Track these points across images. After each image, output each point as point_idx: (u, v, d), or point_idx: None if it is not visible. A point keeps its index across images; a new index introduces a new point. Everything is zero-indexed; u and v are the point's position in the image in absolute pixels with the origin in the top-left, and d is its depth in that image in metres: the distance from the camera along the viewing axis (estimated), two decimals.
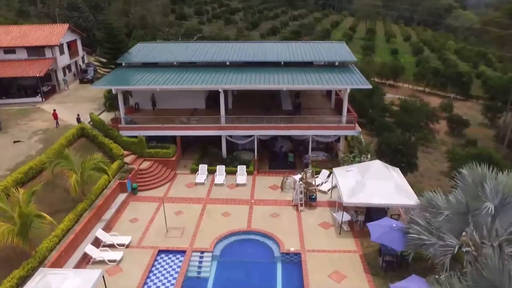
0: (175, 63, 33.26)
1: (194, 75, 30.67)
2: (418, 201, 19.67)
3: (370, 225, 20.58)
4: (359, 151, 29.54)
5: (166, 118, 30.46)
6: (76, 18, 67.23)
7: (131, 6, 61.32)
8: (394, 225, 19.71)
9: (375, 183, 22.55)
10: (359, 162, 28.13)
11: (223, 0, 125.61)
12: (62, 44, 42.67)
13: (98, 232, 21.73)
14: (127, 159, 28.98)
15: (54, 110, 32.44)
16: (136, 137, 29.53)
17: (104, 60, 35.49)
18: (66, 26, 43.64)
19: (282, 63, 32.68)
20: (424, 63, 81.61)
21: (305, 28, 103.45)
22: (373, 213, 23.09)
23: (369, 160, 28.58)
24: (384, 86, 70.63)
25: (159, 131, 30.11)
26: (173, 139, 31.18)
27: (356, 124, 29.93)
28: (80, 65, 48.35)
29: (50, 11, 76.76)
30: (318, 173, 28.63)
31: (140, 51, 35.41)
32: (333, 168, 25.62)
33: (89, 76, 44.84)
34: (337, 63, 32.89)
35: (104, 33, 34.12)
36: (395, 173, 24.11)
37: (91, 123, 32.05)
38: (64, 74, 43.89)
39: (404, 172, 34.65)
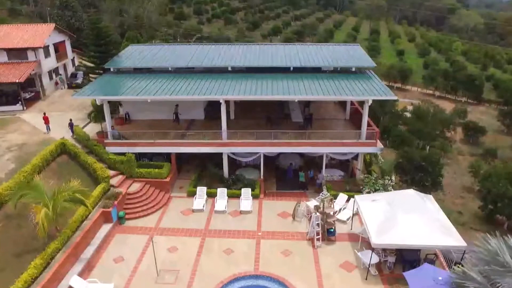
0: (170, 69, 28.93)
1: (192, 83, 26.38)
2: (476, 249, 15.35)
3: (408, 275, 16.41)
4: (381, 172, 25.35)
5: (159, 133, 26.20)
6: (69, 18, 62.84)
7: (125, 4, 56.72)
8: (440, 278, 15.49)
9: (409, 218, 18.37)
10: (383, 185, 23.94)
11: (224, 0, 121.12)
12: (48, 46, 38.27)
13: (73, 280, 17.45)
14: (114, 181, 24.70)
15: (45, 114, 29.06)
16: (124, 154, 25.28)
17: (92, 65, 31.13)
18: (51, 26, 39.19)
19: (292, 68, 28.38)
20: (433, 65, 77.43)
21: (308, 28, 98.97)
22: (405, 252, 18.90)
23: (393, 183, 24.43)
24: (392, 90, 66.18)
25: (151, 147, 25.84)
26: (167, 155, 26.93)
27: (378, 140, 25.69)
28: (75, 68, 44.00)
29: (43, 10, 72.31)
30: (334, 197, 24.38)
31: (132, 55, 31.05)
32: (355, 196, 21.40)
33: (78, 81, 40.43)
34: (353, 69, 28.60)
35: (90, 33, 29.78)
36: (431, 204, 19.89)
37: (74, 137, 27.77)
38: (50, 79, 39.53)
39: (426, 192, 30.72)
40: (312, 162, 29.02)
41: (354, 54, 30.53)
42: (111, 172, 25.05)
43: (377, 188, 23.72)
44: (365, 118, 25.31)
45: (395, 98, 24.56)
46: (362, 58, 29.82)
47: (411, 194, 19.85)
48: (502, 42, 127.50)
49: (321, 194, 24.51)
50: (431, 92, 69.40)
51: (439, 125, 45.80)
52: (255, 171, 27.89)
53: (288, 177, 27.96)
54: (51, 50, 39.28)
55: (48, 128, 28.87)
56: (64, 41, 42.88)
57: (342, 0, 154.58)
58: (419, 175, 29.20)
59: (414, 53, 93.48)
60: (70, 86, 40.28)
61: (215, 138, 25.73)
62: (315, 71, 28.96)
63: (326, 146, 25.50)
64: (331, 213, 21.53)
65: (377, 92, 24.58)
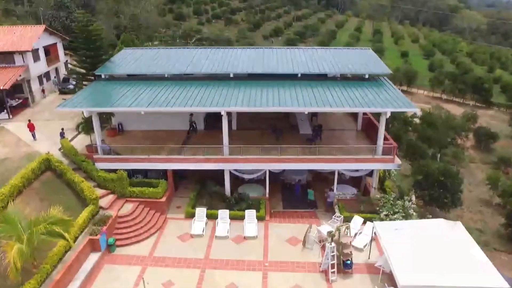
0: (166, 75, 26.24)
1: (190, 91, 23.71)
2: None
3: None
4: (399, 192, 22.74)
5: (155, 147, 23.58)
6: (64, 18, 60.14)
7: (120, 5, 53.84)
8: None
9: (440, 253, 15.81)
10: (402, 207, 21.30)
11: (224, 0, 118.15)
12: (37, 49, 35.60)
13: None
14: (104, 201, 22.05)
15: (29, 121, 27.01)
16: (115, 171, 22.65)
17: (83, 71, 28.33)
18: (41, 28, 36.50)
19: (299, 75, 25.71)
20: (439, 67, 74.78)
21: (310, 29, 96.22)
22: None
23: (413, 204, 21.81)
24: None
25: (145, 163, 23.19)
26: (163, 171, 24.27)
27: (396, 156, 23.06)
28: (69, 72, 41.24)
29: (38, 11, 69.56)
30: (348, 219, 21.78)
31: (125, 60, 28.34)
32: (375, 223, 18.79)
33: (71, 86, 37.69)
34: (366, 76, 25.94)
35: (79, 36, 27.04)
36: (462, 235, 17.28)
37: (62, 150, 25.14)
38: (41, 83, 36.84)
39: (445, 209, 28.17)
40: (321, 177, 26.42)
41: (367, 59, 27.84)
42: (101, 192, 22.41)
43: (396, 210, 21.10)
44: (382, 132, 22.66)
45: (417, 110, 21.95)
46: (376, 63, 27.15)
47: (440, 224, 17.28)
48: (505, 42, 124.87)
49: (334, 217, 21.90)
50: (438, 95, 66.78)
51: (450, 132, 43.16)
52: (259, 187, 25.27)
53: (296, 194, 25.36)
54: (41, 53, 36.61)
55: (33, 136, 26.72)
56: (55, 43, 40.22)
57: (343, 0, 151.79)
58: (438, 191, 26.62)
59: (418, 55, 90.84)
60: (61, 92, 37.63)
61: (216, 153, 23.08)
62: (324, 78, 26.35)
63: (338, 162, 22.87)
64: (348, 242, 18.89)
65: (396, 103, 21.91)
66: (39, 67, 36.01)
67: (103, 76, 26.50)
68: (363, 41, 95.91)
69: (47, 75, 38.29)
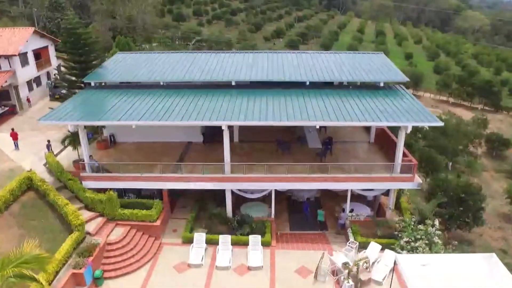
0: (162, 83, 23.78)
1: (188, 101, 21.23)
2: None
3: None
4: (419, 214, 20.27)
5: (152, 161, 21.15)
6: (59, 20, 57.62)
7: (116, 5, 51.21)
8: None
9: None
10: (425, 233, 18.84)
11: (224, 0, 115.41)
12: (26, 52, 33.15)
13: None
14: (92, 225, 19.60)
15: (13, 130, 25.13)
16: (105, 190, 20.22)
17: (73, 78, 25.80)
18: (30, 30, 34.03)
19: (308, 83, 23.24)
20: (444, 69, 72.26)
21: (312, 30, 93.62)
22: None
23: (438, 229, 19.34)
24: None
25: (138, 182, 20.74)
26: (158, 190, 21.83)
27: (416, 175, 20.59)
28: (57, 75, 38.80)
29: (32, 12, 67.09)
30: (364, 246, 19.35)
31: (118, 65, 25.85)
32: (397, 256, 16.32)
33: (64, 91, 35.21)
34: (381, 84, 23.48)
35: (67, 40, 24.56)
36: (503, 274, 14.82)
37: (47, 165, 22.71)
38: (30, 89, 34.40)
39: (466, 229, 25.71)
40: (331, 194, 23.97)
41: (380, 65, 25.35)
42: (89, 214, 19.99)
43: (419, 237, 18.64)
44: (401, 148, 20.21)
45: (441, 124, 19.52)
46: (390, 70, 24.65)
47: (476, 260, 14.81)
48: (509, 43, 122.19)
49: (348, 244, 19.43)
50: (445, 98, 64.29)
51: (463, 139, 40.69)
52: (263, 206, 22.84)
53: (304, 214, 22.92)
54: (30, 57, 34.17)
55: (16, 145, 24.77)
56: (47, 46, 37.77)
57: (345, 0, 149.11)
58: (459, 209, 24.16)
59: (423, 56, 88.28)
60: (53, 98, 35.15)
61: (216, 170, 20.63)
62: (335, 86, 23.89)
63: (352, 181, 20.42)
64: (367, 279, 16.43)
65: (417, 116, 19.44)
66: (27, 72, 33.57)
67: (92, 84, 24.06)
68: (366, 42, 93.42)
69: (37, 80, 35.86)
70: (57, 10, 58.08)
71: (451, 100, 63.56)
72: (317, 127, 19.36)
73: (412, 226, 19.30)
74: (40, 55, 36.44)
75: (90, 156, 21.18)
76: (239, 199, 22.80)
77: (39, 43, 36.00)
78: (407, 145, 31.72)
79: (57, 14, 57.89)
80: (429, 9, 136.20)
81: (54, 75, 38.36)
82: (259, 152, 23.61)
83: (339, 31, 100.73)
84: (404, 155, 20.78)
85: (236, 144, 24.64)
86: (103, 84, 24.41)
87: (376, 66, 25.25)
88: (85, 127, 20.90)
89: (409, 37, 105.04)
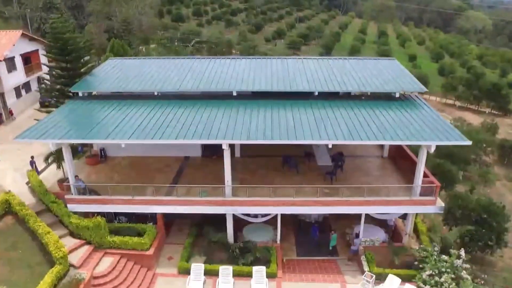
0: (156, 93, 21.54)
1: (184, 115, 18.97)
2: None
3: None
4: (441, 243, 18.08)
5: (145, 181, 18.90)
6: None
7: (111, 6, 48.79)
8: None
9: None
10: (451, 266, 16.62)
11: (224, 1, 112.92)
12: (13, 57, 30.89)
13: None
14: (78, 254, 17.34)
15: None
16: (93, 214, 18.02)
17: (60, 87, 23.34)
18: (18, 33, 31.76)
19: (316, 93, 21.00)
20: (449, 71, 70.00)
21: (313, 31, 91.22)
22: None
23: (464, 262, 17.12)
24: None
25: (129, 206, 18.50)
26: (151, 213, 19.61)
27: (438, 198, 18.37)
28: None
29: (27, 13, 64.80)
30: (381, 278, 17.15)
31: (109, 73, 23.57)
32: None
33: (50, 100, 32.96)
34: (397, 94, 21.23)
35: (53, 46, 22.27)
36: None
37: (29, 185, 20.45)
38: (18, 96, 32.15)
39: (487, 252, 23.50)
40: (341, 214, 21.74)
41: (394, 73, 23.08)
42: (74, 242, 17.78)
43: (443, 270, 16.44)
44: (421, 169, 17.96)
45: (468, 143, 17.30)
46: (406, 78, 22.39)
47: None
48: (511, 44, 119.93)
49: (364, 277, 17.19)
50: (451, 102, 62.03)
51: (474, 147, 38.44)
52: (268, 229, 20.56)
53: (312, 238, 20.71)
54: (18, 62, 31.92)
55: None
56: (37, 50, 35.49)
57: (346, 0, 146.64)
58: (480, 230, 21.94)
59: (426, 57, 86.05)
60: (42, 105, 32.84)
61: (216, 192, 18.41)
62: (346, 96, 21.65)
63: (367, 205, 18.21)
64: None
65: (441, 133, 17.20)
66: (15, 77, 31.32)
67: (80, 94, 21.79)
68: (369, 43, 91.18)
69: (26, 86, 33.61)
70: (52, 11, 55.75)
71: (458, 103, 61.33)
72: (330, 145, 17.10)
73: (435, 257, 17.10)
74: (29, 59, 34.21)
75: (76, 176, 18.91)
76: (241, 220, 20.57)
77: (28, 46, 33.76)
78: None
79: (52, 15, 55.59)
80: (430, 9, 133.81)
81: (42, 80, 36.12)
82: (263, 169, 21.42)
83: (341, 31, 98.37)
84: (425, 175, 18.53)
85: (238, 160, 22.41)
86: (92, 93, 22.16)
87: (390, 74, 22.97)
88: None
89: (411, 38, 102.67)
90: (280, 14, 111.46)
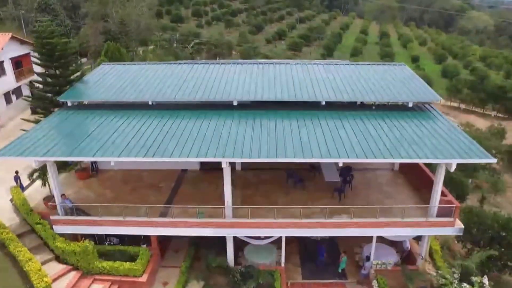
0: (151, 103, 19.90)
1: (180, 128, 17.27)
2: None
3: None
4: (461, 267, 16.46)
5: (131, 205, 17.26)
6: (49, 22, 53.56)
7: (107, 7, 46.98)
8: None
9: None
10: None
11: (224, 1, 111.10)
12: (2, 61, 29.24)
13: None
14: (63, 282, 15.72)
15: None
16: (82, 237, 16.41)
17: (46, 94, 21.57)
18: (7, 36, 30.13)
19: (323, 103, 19.37)
20: (452, 73, 68.42)
21: (315, 31, 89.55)
22: None
23: None
24: None
25: (120, 227, 16.88)
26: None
27: (457, 219, 16.76)
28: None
29: (21, 14, 63.07)
30: None
31: (101, 80, 21.89)
32: None
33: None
34: (410, 105, 19.60)
35: (40, 51, 20.62)
36: None
37: (13, 203, 18.83)
38: (8, 102, 30.50)
39: (505, 271, 21.90)
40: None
41: (405, 80, 21.41)
42: (60, 268, 16.20)
43: None
44: (439, 188, 16.35)
45: (493, 160, 15.72)
46: (419, 87, 20.73)
47: None
48: None
49: None
50: (455, 105, 60.46)
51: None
52: (270, 250, 18.92)
53: (319, 259, 19.09)
54: (8, 66, 30.31)
55: None
56: (29, 53, 33.76)
57: (346, 1, 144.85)
58: (499, 249, 20.34)
59: (429, 59, 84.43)
60: (34, 111, 31.17)
61: (215, 212, 16.78)
62: (356, 106, 20.00)
63: (380, 227, 16.60)
64: None
65: (462, 150, 15.57)
66: (4, 83, 29.68)
67: (69, 104, 20.14)
68: (370, 44, 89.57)
69: (17, 91, 31.95)
70: (47, 12, 53.99)
71: (463, 106, 59.74)
72: (340, 164, 15.46)
73: (456, 285, 15.49)
74: (21, 63, 32.55)
75: (63, 195, 17.25)
76: (241, 242, 18.96)
77: (19, 50, 32.12)
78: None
79: (47, 16, 53.83)
80: (431, 9, 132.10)
81: (31, 86, 34.41)
82: (265, 185, 19.82)
83: (342, 32, 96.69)
84: (442, 193, 16.91)
85: (239, 173, 20.81)
86: (82, 104, 20.50)
87: (401, 81, 21.32)
88: None
89: (413, 39, 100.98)
90: (281, 15, 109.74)
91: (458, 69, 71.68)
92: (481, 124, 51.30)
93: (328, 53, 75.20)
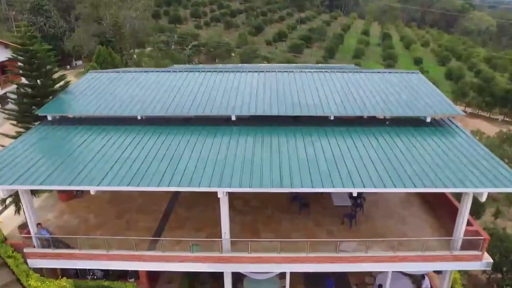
0: (139, 117, 17.80)
1: (171, 149, 15.21)
2: None
3: None
4: None
5: (115, 238, 15.19)
6: (42, 24, 51.55)
7: (100, 9, 44.77)
8: None
9: None
10: None
11: (223, 1, 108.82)
12: None
13: None
14: None
15: None
16: (61, 274, 14.33)
17: (24, 107, 19.34)
18: None
19: (332, 117, 17.30)
20: (457, 76, 66.32)
21: (315, 32, 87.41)
22: None
23: None
24: None
25: (104, 261, 14.80)
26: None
27: (485, 252, 14.69)
28: None
29: (16, 15, 60.94)
30: None
31: (85, 90, 19.80)
32: None
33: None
34: (428, 119, 17.53)
35: (21, 60, 18.58)
36: None
37: None
38: None
39: None
40: None
41: (422, 90, 19.31)
42: None
43: None
44: (465, 219, 14.26)
45: None
46: (437, 98, 18.62)
47: None
48: None
49: None
50: (461, 108, 58.29)
51: None
52: (273, 281, 16.85)
53: None
54: None
55: None
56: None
57: (347, 1, 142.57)
58: None
59: (432, 60, 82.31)
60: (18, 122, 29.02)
61: (212, 245, 14.72)
62: (368, 122, 17.91)
63: (398, 262, 14.54)
64: None
65: (491, 174, 13.49)
66: None
67: (49, 118, 18.05)
68: (372, 45, 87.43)
69: (1, 99, 29.82)
70: (40, 13, 51.91)
71: (469, 110, 57.61)
72: (355, 194, 13.35)
73: None
74: (6, 69, 30.38)
75: (39, 224, 15.16)
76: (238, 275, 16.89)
77: (4, 54, 29.90)
78: None
79: (40, 18, 51.75)
80: (433, 10, 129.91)
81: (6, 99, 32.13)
82: (267, 209, 17.74)
83: (344, 33, 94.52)
84: (468, 223, 14.83)
85: (236, 197, 18.66)
86: (64, 118, 18.41)
87: (417, 91, 19.21)
88: None
89: (415, 40, 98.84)
90: (281, 15, 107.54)
91: (463, 71, 69.55)
92: (489, 129, 49.29)
93: (329, 55, 73.10)
